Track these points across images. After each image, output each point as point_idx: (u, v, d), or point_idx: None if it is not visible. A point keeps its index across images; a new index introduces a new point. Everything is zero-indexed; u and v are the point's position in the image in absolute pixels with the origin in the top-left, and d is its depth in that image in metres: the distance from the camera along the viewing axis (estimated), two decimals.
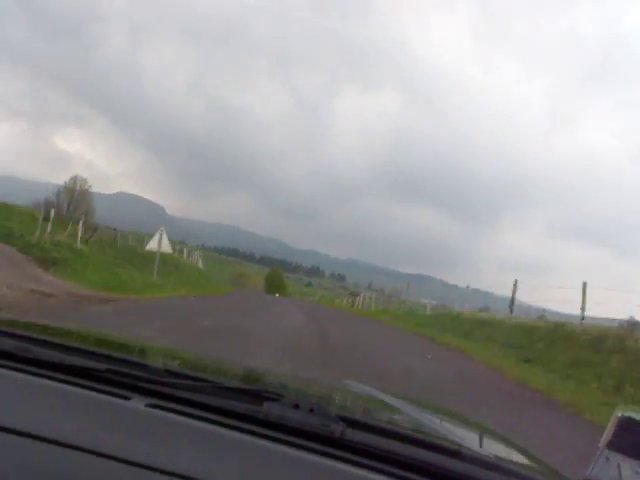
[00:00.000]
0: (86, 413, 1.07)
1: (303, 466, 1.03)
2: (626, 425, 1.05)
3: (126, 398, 1.13)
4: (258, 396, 1.18)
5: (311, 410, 1.13)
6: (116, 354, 1.39)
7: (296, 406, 1.13)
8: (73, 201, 52.56)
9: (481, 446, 1.58)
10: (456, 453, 1.12)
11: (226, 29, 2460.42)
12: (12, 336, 1.31)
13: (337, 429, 1.09)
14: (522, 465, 1.46)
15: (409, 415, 1.68)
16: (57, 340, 1.42)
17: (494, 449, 1.65)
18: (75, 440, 0.96)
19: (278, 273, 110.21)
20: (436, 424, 1.57)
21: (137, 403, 1.12)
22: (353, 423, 1.13)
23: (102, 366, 1.20)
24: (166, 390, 1.17)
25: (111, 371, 1.19)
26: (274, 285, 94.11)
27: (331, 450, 1.08)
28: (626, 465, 1.03)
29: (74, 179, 52.78)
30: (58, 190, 51.29)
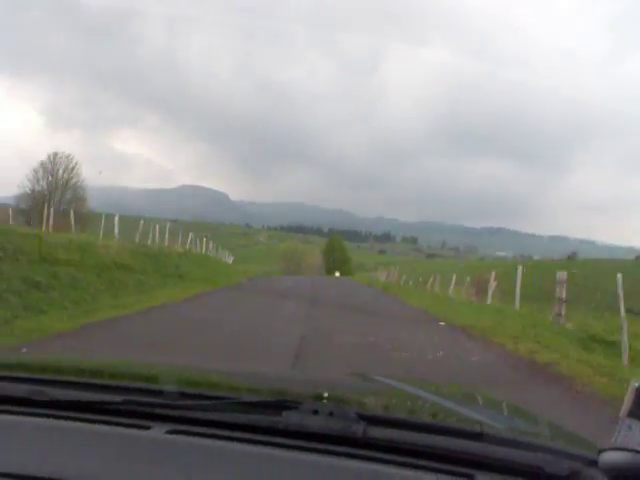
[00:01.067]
0: (109, 448, 1.06)
1: (329, 470, 1.02)
2: None
3: (146, 428, 1.13)
4: (276, 407, 1.17)
5: (330, 414, 1.12)
6: (131, 384, 1.38)
7: (315, 411, 1.13)
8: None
9: (503, 424, 1.53)
10: (478, 435, 1.11)
11: (266, 2, 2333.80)
12: (26, 380, 1.30)
13: (358, 429, 1.09)
14: (546, 437, 1.44)
15: (428, 402, 1.64)
16: (71, 378, 1.41)
17: (517, 425, 1.61)
18: (99, 478, 0.96)
19: (338, 244, 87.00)
20: (456, 407, 1.55)
21: (157, 431, 1.12)
22: (373, 420, 1.13)
23: (118, 398, 1.20)
24: (184, 414, 1.17)
25: (128, 402, 1.19)
26: (335, 260, 75.48)
27: (355, 451, 1.08)
28: None
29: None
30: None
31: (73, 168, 44.99)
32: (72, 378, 1.41)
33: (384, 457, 1.07)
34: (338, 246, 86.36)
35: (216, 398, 1.24)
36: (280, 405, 1.17)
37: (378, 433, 1.10)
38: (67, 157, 45.36)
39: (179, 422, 1.15)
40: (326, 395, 1.49)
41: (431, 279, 30.56)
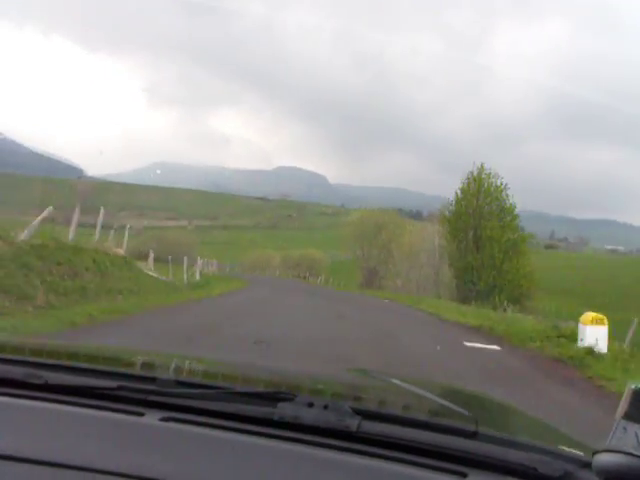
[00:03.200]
0: (102, 434, 1.06)
1: (322, 463, 1.03)
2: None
3: (140, 414, 1.13)
4: (271, 398, 1.17)
5: (325, 407, 1.12)
6: (126, 370, 1.39)
7: (310, 404, 1.13)
8: None
9: (499, 423, 1.60)
10: (473, 434, 1.12)
11: None
12: (22, 363, 1.29)
13: (353, 423, 1.09)
14: (541, 438, 1.45)
15: (424, 399, 1.65)
16: (67, 362, 1.40)
17: (512, 425, 1.66)
18: (93, 463, 0.96)
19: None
20: (452, 406, 1.52)
21: (151, 418, 1.12)
22: (368, 415, 1.13)
23: (113, 384, 1.20)
24: (178, 401, 1.17)
25: (122, 388, 1.19)
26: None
27: (349, 445, 1.08)
28: None
29: None
30: None
31: None
32: (68, 362, 1.40)
33: (378, 452, 1.07)
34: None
35: (211, 387, 1.23)
36: (275, 396, 1.17)
37: (373, 428, 1.10)
38: None
39: (173, 410, 1.15)
40: (322, 388, 1.47)
41: None
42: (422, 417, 1.26)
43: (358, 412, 1.13)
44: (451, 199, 41.04)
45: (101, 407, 1.15)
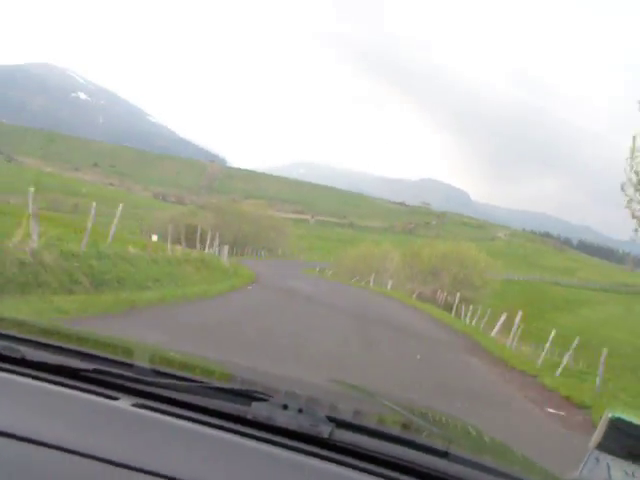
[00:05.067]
0: (73, 414, 1.07)
1: (291, 467, 1.03)
2: (616, 426, 1.04)
3: (113, 398, 1.14)
4: (246, 396, 1.18)
5: (300, 410, 1.13)
6: (104, 354, 1.38)
7: (285, 406, 1.14)
8: None
9: (470, 447, 1.60)
10: (444, 454, 1.13)
11: None
12: (1, 336, 1.30)
13: (326, 429, 1.10)
14: (512, 465, 1.47)
15: (399, 415, 1.65)
16: (45, 340, 1.40)
17: (484, 450, 1.67)
18: (61, 441, 0.97)
19: None
20: (427, 425, 1.53)
21: (124, 403, 1.13)
22: (342, 424, 1.14)
23: (90, 366, 1.20)
24: (153, 390, 1.18)
25: (98, 371, 1.20)
26: None
27: (319, 451, 1.09)
28: (616, 465, 1.04)
29: None
30: None
31: None
32: (48, 340, 1.40)
33: (349, 461, 1.07)
34: None
35: (187, 379, 1.24)
36: (250, 395, 1.18)
37: (345, 437, 1.10)
38: None
39: (147, 398, 1.16)
40: (298, 393, 1.43)
41: None
42: (395, 431, 1.27)
43: (332, 419, 1.13)
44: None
45: (76, 387, 1.15)
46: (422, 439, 1.25)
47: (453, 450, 1.15)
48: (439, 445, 1.16)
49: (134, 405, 1.12)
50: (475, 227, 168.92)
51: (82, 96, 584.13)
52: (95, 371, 1.19)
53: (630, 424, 1.06)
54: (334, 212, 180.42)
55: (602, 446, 1.04)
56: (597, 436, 1.05)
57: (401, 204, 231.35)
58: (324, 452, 1.08)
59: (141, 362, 1.35)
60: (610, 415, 1.05)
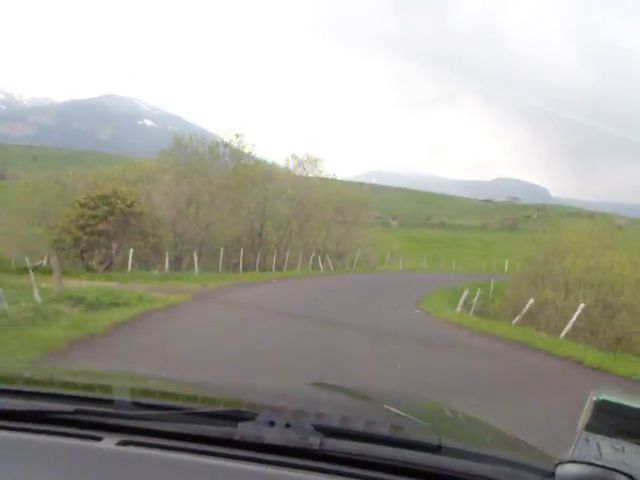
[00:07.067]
0: (58, 461, 1.03)
1: None
2: (602, 407, 1.07)
3: (97, 439, 1.11)
4: (232, 417, 1.16)
5: (287, 425, 1.12)
6: (82, 393, 1.35)
7: (271, 423, 1.13)
8: None
9: (463, 436, 1.60)
10: (437, 448, 1.13)
11: None
12: None
13: (315, 441, 1.09)
14: (505, 450, 1.46)
15: (387, 413, 1.64)
16: (20, 387, 1.35)
17: (476, 437, 1.65)
18: None
19: None
20: (416, 419, 1.52)
21: (108, 443, 1.09)
22: (331, 432, 1.13)
23: (68, 408, 1.17)
24: (137, 424, 1.15)
25: (79, 411, 1.16)
26: None
27: (312, 463, 1.08)
28: (605, 444, 1.06)
29: None
30: None
31: None
32: (21, 387, 1.35)
33: (341, 470, 1.06)
34: None
35: (170, 408, 1.22)
36: (236, 416, 1.17)
37: (335, 445, 1.10)
38: None
39: (132, 433, 1.13)
40: (283, 406, 1.43)
41: None
42: (385, 432, 1.26)
43: (320, 429, 1.13)
44: None
45: (55, 433, 1.12)
46: (413, 436, 1.24)
47: (446, 443, 1.15)
48: (431, 440, 1.16)
49: (119, 443, 1.09)
50: (587, 217, 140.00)
51: (148, 123, 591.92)
52: (75, 412, 1.16)
53: (614, 404, 1.09)
54: (415, 214, 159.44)
55: (590, 427, 1.08)
56: (584, 418, 1.09)
57: (487, 201, 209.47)
58: (316, 464, 1.07)
59: (121, 396, 1.29)
60: (595, 398, 1.08)
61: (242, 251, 27.25)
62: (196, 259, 23.87)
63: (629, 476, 0.98)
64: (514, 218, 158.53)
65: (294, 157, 33.76)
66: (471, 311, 19.02)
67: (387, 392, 2.86)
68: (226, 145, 29.01)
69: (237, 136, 28.86)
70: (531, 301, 15.13)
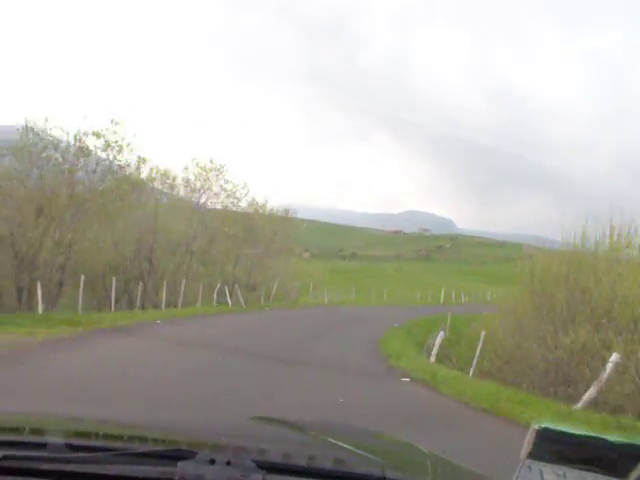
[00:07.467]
0: None
1: None
2: (543, 435, 1.08)
3: None
4: (171, 457, 1.12)
5: (228, 463, 1.10)
6: (12, 438, 1.29)
7: (212, 461, 1.10)
8: None
9: (405, 466, 1.59)
10: (381, 479, 1.13)
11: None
12: None
13: (257, 478, 1.07)
14: (447, 478, 1.48)
15: (329, 446, 1.62)
16: None
17: (419, 467, 1.64)
18: None
19: None
20: (359, 451, 1.53)
21: None
22: (273, 468, 1.12)
23: None
24: (72, 468, 1.10)
25: (9, 457, 1.11)
26: None
27: None
28: (547, 470, 1.08)
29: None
30: None
31: None
32: None
33: None
34: None
35: (106, 449, 1.15)
36: (175, 455, 1.13)
37: None
38: None
39: (66, 477, 1.08)
40: (224, 442, 1.40)
41: None
42: (328, 466, 1.24)
43: (262, 466, 1.11)
44: None
45: None
46: (357, 469, 1.23)
47: (389, 474, 1.16)
48: (375, 472, 1.16)
49: None
50: (497, 246, 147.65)
51: None
52: (5, 458, 1.10)
53: (556, 432, 1.10)
54: (327, 246, 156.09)
55: (532, 455, 1.09)
56: (526, 447, 1.10)
57: (398, 232, 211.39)
58: None
59: (54, 439, 1.23)
60: (536, 426, 1.09)
61: (114, 281, 19.13)
62: (40, 292, 15.74)
63: None
64: (427, 248, 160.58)
65: (196, 163, 25.85)
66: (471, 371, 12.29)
67: (328, 423, 2.68)
68: (99, 135, 20.36)
69: (114, 124, 20.39)
70: (614, 357, 8.24)
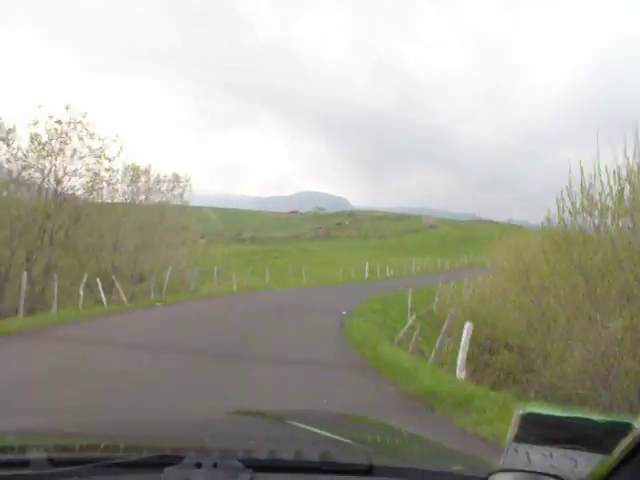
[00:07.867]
0: None
1: None
2: (528, 419, 1.11)
3: None
4: (156, 464, 1.10)
5: (215, 465, 1.09)
6: None
7: (198, 465, 1.09)
8: None
9: (393, 452, 1.58)
10: (369, 469, 1.14)
11: None
12: None
13: (245, 478, 1.07)
14: (437, 461, 1.48)
15: (316, 437, 1.61)
16: None
17: (407, 452, 1.63)
18: None
19: None
20: (345, 440, 1.52)
21: None
22: (261, 467, 1.11)
23: None
24: None
25: None
26: None
27: None
28: (534, 451, 1.11)
29: None
30: None
31: None
32: None
33: None
34: None
35: (90, 461, 1.13)
36: (160, 461, 1.11)
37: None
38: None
39: None
40: (209, 444, 1.38)
41: None
42: (315, 459, 1.24)
43: (249, 465, 1.11)
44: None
45: None
46: (343, 459, 1.24)
47: (376, 462, 1.17)
48: (362, 461, 1.17)
49: None
50: (396, 220, 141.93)
51: None
52: None
53: (541, 415, 1.11)
54: (222, 231, 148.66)
55: (518, 438, 1.11)
56: (512, 430, 1.12)
57: (294, 212, 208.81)
58: None
59: (36, 455, 1.21)
60: (521, 412, 1.11)
61: None
62: None
63: (558, 477, 1.04)
64: (326, 227, 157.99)
65: (50, 116, 18.59)
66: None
67: (308, 412, 2.64)
68: None
69: None
70: None
